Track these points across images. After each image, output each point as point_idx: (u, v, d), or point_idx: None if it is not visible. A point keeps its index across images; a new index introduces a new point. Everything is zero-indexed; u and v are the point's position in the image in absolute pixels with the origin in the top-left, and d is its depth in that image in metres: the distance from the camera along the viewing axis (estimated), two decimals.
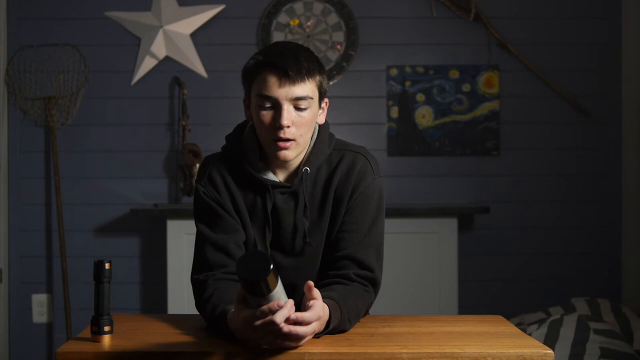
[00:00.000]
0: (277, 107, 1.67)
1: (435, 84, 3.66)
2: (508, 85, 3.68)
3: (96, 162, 3.64)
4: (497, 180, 3.68)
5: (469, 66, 3.66)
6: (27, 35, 3.61)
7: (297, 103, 1.67)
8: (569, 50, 3.69)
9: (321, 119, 1.77)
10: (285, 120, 1.65)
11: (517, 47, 3.65)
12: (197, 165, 3.51)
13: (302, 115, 1.68)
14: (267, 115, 1.69)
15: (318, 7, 3.64)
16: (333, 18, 3.64)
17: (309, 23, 3.64)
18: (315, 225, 1.76)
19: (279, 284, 1.39)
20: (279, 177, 1.77)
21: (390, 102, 3.66)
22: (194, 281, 1.73)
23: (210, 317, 1.60)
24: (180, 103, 3.56)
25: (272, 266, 1.32)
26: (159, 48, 3.58)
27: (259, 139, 1.76)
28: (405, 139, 3.65)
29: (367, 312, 1.75)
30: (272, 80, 1.67)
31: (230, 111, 3.62)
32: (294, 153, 1.70)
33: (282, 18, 3.63)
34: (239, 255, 1.71)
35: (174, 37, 3.58)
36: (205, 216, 1.77)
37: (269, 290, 1.36)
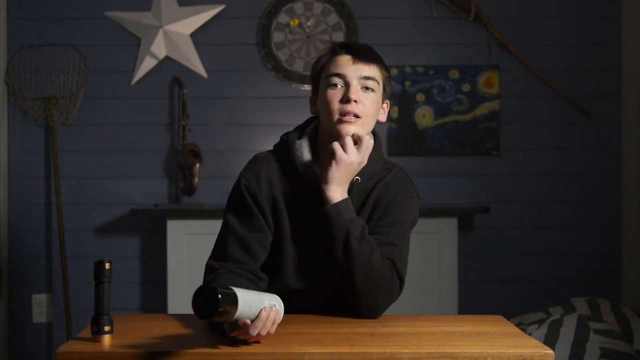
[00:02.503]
0: (346, 85, 1.78)
1: (435, 84, 3.66)
2: (508, 85, 3.68)
3: (96, 162, 3.64)
4: (497, 180, 3.68)
5: (469, 66, 3.66)
6: (27, 35, 3.61)
7: (365, 82, 1.78)
8: (569, 50, 3.69)
9: (382, 117, 1.87)
10: (353, 94, 1.75)
11: (517, 47, 3.65)
12: (197, 165, 3.51)
13: (368, 95, 1.78)
14: (336, 92, 1.78)
15: (318, 7, 3.64)
16: (333, 18, 3.64)
17: (309, 23, 3.64)
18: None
19: (240, 305, 1.39)
20: None
21: (391, 102, 3.65)
22: (208, 266, 1.78)
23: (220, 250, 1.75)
24: (180, 103, 3.56)
25: (219, 302, 1.33)
26: (159, 48, 3.59)
27: (322, 125, 1.82)
28: (405, 139, 3.65)
29: (383, 289, 1.71)
30: (345, 60, 1.79)
31: (230, 111, 3.62)
32: (356, 128, 1.76)
33: (282, 18, 3.63)
34: (260, 256, 1.77)
35: (174, 37, 3.58)
36: (237, 209, 1.80)
37: (230, 316, 1.38)
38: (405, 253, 1.80)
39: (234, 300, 1.38)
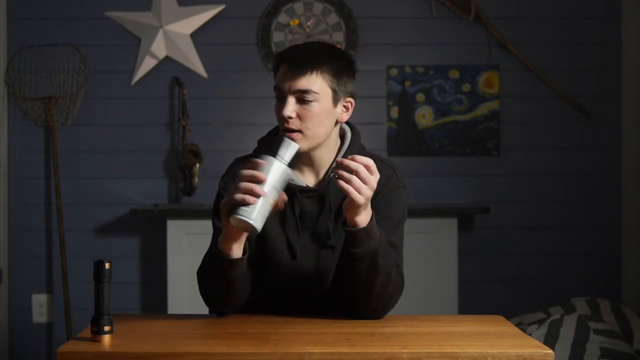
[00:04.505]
0: (284, 98, 1.73)
1: (435, 84, 3.66)
2: (508, 85, 3.68)
3: (96, 162, 3.64)
4: (497, 180, 3.68)
5: (469, 66, 3.66)
6: (27, 35, 3.61)
7: (300, 95, 1.71)
8: (569, 50, 3.69)
9: (343, 118, 1.79)
10: (285, 111, 1.71)
11: (517, 47, 3.65)
12: (197, 165, 3.51)
13: (306, 108, 1.71)
14: (278, 106, 1.75)
15: (318, 7, 3.64)
16: (333, 18, 3.64)
17: (309, 23, 3.64)
18: (337, 229, 1.77)
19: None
20: (308, 181, 1.80)
21: (390, 102, 3.66)
22: (199, 273, 1.74)
23: (206, 260, 1.71)
24: (180, 103, 3.56)
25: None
26: (159, 48, 3.59)
27: None
28: (405, 139, 3.65)
29: (395, 295, 1.71)
30: (281, 72, 1.75)
31: (230, 111, 3.62)
32: (304, 144, 1.72)
33: (282, 18, 3.63)
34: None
35: (174, 37, 3.58)
36: (218, 212, 1.75)
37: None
38: (401, 249, 1.79)
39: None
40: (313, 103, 1.71)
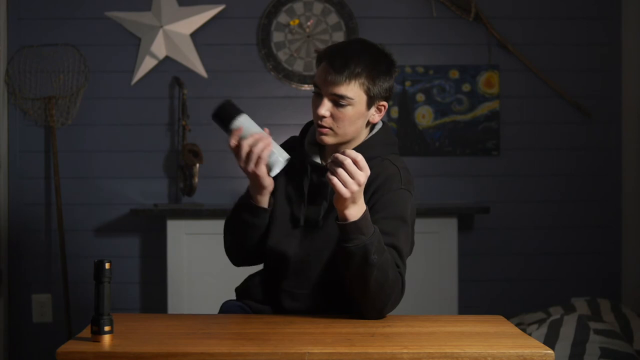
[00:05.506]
0: (322, 96, 1.82)
1: (435, 84, 3.66)
2: (508, 85, 3.68)
3: (96, 162, 3.64)
4: (497, 180, 3.68)
5: (469, 66, 3.66)
6: (27, 35, 3.61)
7: (336, 99, 1.80)
8: (569, 50, 3.69)
9: (375, 119, 1.88)
10: (321, 110, 1.81)
11: (517, 47, 3.65)
12: (197, 165, 3.51)
13: (340, 110, 1.81)
14: (315, 101, 1.84)
15: (318, 7, 3.64)
16: (333, 18, 3.64)
17: (309, 23, 3.64)
18: (332, 216, 1.81)
19: (244, 117, 1.82)
20: None
21: (390, 102, 3.65)
22: (226, 223, 1.95)
23: (235, 209, 1.91)
24: (180, 103, 3.56)
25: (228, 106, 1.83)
26: (159, 48, 3.59)
27: None
28: (405, 139, 3.65)
29: (393, 295, 1.71)
30: (322, 73, 1.81)
31: None
32: (332, 139, 1.84)
33: (282, 18, 3.63)
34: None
35: (174, 37, 3.58)
36: None
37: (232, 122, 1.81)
38: (404, 253, 1.77)
39: (237, 111, 1.82)
40: (347, 107, 1.80)
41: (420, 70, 3.65)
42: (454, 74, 3.66)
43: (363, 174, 1.62)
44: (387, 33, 3.66)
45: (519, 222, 3.68)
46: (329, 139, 1.84)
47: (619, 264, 3.69)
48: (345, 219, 1.65)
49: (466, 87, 3.66)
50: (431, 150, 3.66)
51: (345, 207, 1.64)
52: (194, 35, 3.61)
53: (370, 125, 1.91)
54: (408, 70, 3.65)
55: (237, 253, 1.96)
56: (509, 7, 3.68)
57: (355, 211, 1.64)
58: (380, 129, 1.93)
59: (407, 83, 3.65)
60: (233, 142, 1.79)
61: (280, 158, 1.79)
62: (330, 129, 1.82)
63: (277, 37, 3.63)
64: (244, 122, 1.80)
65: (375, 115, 1.88)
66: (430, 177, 3.65)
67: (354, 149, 1.85)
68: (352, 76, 1.78)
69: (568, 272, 3.69)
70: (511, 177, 3.69)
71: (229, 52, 3.65)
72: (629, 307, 3.41)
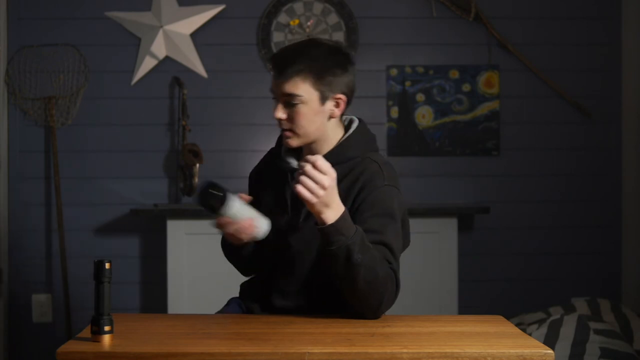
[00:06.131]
0: (277, 100, 1.84)
1: (435, 84, 3.66)
2: (508, 85, 3.68)
3: (96, 162, 3.64)
4: (497, 180, 3.68)
5: (469, 66, 3.66)
6: (27, 35, 3.61)
7: (287, 99, 1.81)
8: (569, 50, 3.69)
9: (336, 113, 1.85)
10: (277, 114, 1.82)
11: (517, 47, 3.65)
12: (197, 165, 3.51)
13: (294, 110, 1.80)
14: (274, 107, 1.85)
15: (318, 7, 3.64)
16: (333, 18, 3.64)
17: (309, 23, 3.64)
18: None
19: (230, 201, 1.71)
20: None
21: (390, 102, 3.66)
22: (221, 244, 2.02)
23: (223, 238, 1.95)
24: (180, 103, 3.56)
25: (213, 188, 1.69)
26: (159, 48, 3.59)
27: None
28: (405, 139, 3.65)
29: (387, 292, 1.70)
30: (273, 75, 1.85)
31: (230, 111, 3.62)
32: (296, 141, 1.84)
33: (282, 18, 3.63)
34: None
35: (174, 37, 3.58)
36: None
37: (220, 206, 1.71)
38: (395, 249, 1.76)
39: (223, 196, 1.70)
40: (299, 105, 1.80)
41: (420, 70, 3.65)
42: (454, 74, 3.66)
43: (327, 177, 1.60)
44: (387, 33, 3.66)
45: (519, 222, 3.68)
46: (293, 142, 1.83)
47: (619, 264, 3.69)
48: (322, 222, 1.64)
49: (466, 87, 3.66)
50: (431, 150, 3.66)
51: (319, 212, 1.63)
52: (194, 35, 3.61)
53: (344, 123, 1.90)
54: (408, 70, 3.65)
55: (238, 267, 2.03)
56: (509, 7, 3.68)
57: (331, 214, 1.64)
58: (357, 127, 1.90)
59: (407, 83, 3.65)
60: (217, 227, 1.81)
61: (262, 228, 1.78)
62: (291, 130, 1.82)
63: (277, 37, 3.62)
64: (227, 212, 1.73)
65: (335, 110, 1.83)
66: (430, 177, 3.65)
67: (331, 150, 1.84)
68: (294, 73, 1.78)
69: (568, 272, 3.69)
70: (511, 177, 3.68)
71: (229, 52, 3.64)
72: (629, 307, 3.41)
